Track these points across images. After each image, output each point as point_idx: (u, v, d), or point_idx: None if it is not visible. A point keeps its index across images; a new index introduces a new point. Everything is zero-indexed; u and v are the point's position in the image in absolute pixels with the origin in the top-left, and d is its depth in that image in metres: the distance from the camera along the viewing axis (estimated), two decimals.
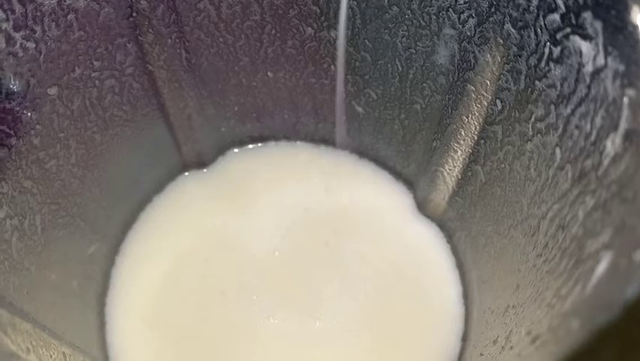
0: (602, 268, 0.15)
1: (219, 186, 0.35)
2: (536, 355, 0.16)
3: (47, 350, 0.22)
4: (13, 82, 0.23)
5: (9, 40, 0.22)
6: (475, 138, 0.27)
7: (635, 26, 0.17)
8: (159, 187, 0.34)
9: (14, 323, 0.21)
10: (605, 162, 0.17)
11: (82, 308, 0.29)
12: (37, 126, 0.24)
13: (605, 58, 0.18)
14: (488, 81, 0.24)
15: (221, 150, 0.36)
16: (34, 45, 0.23)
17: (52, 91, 0.24)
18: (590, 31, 0.18)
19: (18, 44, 0.22)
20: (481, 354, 0.26)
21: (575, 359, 0.12)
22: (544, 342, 0.16)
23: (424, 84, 0.28)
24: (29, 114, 0.24)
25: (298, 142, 0.36)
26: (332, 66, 0.31)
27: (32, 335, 0.22)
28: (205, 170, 0.36)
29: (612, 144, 0.17)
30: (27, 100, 0.23)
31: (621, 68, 0.17)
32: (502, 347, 0.22)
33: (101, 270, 0.31)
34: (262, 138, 0.36)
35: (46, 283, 0.25)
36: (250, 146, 0.36)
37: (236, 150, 0.36)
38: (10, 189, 0.23)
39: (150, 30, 0.27)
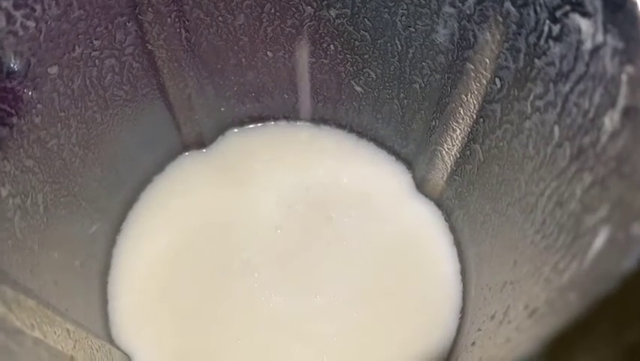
0: (599, 242, 0.15)
1: (219, 166, 0.35)
2: (534, 327, 0.17)
3: (52, 327, 0.23)
4: (13, 61, 0.23)
5: (9, 18, 0.22)
6: (474, 116, 0.27)
7: (634, 4, 0.17)
8: (159, 167, 0.35)
9: (18, 300, 0.21)
10: (603, 138, 0.18)
11: (85, 287, 0.30)
12: (38, 105, 0.24)
13: (605, 35, 0.18)
14: (487, 60, 0.24)
15: (221, 130, 0.36)
16: (34, 24, 0.23)
17: (53, 70, 0.24)
18: (589, 8, 0.18)
19: (18, 23, 0.22)
20: (479, 329, 0.26)
21: (574, 331, 0.12)
22: (541, 314, 0.17)
23: (424, 63, 0.28)
24: (30, 93, 0.24)
25: (298, 122, 0.36)
26: (331, 45, 0.31)
27: (36, 311, 0.22)
28: (205, 150, 0.36)
29: (610, 121, 0.17)
30: (28, 79, 0.23)
31: (620, 45, 0.17)
32: (500, 322, 0.23)
33: (103, 249, 0.32)
34: (262, 118, 0.36)
35: (50, 262, 0.26)
36: (250, 126, 0.36)
37: (235, 130, 0.36)
38: (12, 167, 0.23)
39: (150, 9, 0.27)
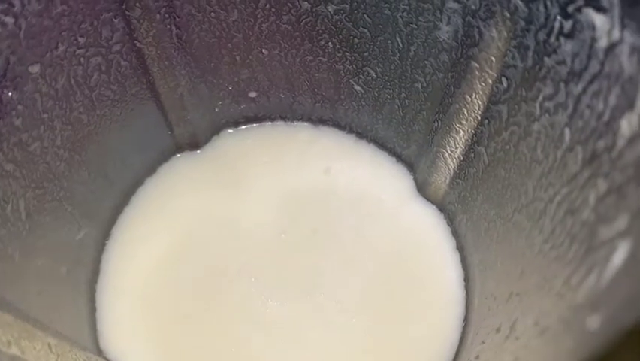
0: (619, 257, 0.14)
1: (213, 168, 0.34)
2: (546, 348, 0.15)
3: (31, 342, 0.22)
4: None
5: None
6: (479, 117, 0.26)
7: None
8: (151, 169, 0.34)
9: None
10: (620, 142, 0.16)
11: (72, 296, 0.29)
12: (19, 106, 0.23)
13: (621, 32, 0.17)
14: (493, 58, 0.23)
15: (216, 130, 0.35)
16: (12, 20, 0.22)
17: (34, 69, 0.23)
18: (604, 3, 0.17)
19: None
20: (483, 342, 0.25)
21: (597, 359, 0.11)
22: (554, 334, 0.15)
23: (426, 62, 0.27)
24: (9, 94, 0.23)
25: (295, 122, 0.35)
26: (329, 43, 0.30)
27: (14, 326, 0.21)
28: (198, 151, 0.35)
29: (628, 124, 0.16)
30: (7, 79, 0.22)
31: (639, 42, 0.16)
32: (506, 336, 0.22)
33: (92, 255, 0.31)
34: (257, 119, 0.35)
35: (32, 271, 0.25)
36: (245, 126, 0.35)
37: (230, 131, 0.35)
38: None
39: (137, 4, 0.26)
